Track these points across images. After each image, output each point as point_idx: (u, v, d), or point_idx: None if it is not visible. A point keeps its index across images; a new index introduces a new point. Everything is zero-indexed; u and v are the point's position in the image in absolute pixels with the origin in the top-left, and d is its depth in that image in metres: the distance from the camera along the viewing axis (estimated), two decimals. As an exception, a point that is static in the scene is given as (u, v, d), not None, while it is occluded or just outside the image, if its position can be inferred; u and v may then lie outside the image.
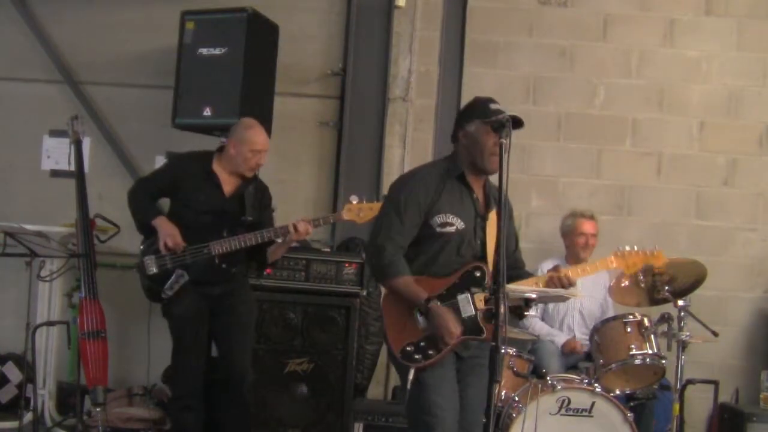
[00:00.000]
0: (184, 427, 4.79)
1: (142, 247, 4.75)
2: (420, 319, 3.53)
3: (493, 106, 3.56)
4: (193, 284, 4.64)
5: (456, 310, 3.51)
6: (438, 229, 3.56)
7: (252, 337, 4.97)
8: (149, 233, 4.70)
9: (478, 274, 3.55)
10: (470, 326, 3.51)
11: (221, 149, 4.80)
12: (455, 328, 3.46)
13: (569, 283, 3.56)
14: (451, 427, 3.51)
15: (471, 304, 3.52)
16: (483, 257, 3.59)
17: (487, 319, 3.49)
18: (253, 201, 4.78)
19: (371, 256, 3.69)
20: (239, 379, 4.76)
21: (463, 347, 3.59)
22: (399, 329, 3.57)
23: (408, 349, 3.53)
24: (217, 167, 4.75)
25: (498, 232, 3.27)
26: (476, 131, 3.57)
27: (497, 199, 3.51)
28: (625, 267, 3.87)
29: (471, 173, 3.64)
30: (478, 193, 3.67)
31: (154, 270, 4.64)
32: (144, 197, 4.77)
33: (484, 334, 3.50)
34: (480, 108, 3.61)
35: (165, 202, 4.89)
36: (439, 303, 3.49)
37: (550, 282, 3.57)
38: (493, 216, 3.62)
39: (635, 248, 3.86)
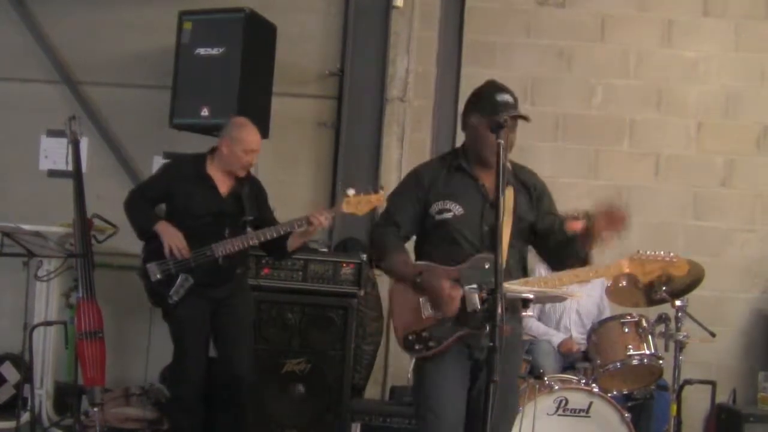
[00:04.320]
0: (182, 429, 4.80)
1: (143, 253, 4.74)
2: (427, 306, 3.43)
3: (499, 98, 3.41)
4: (196, 287, 4.63)
5: (462, 301, 3.35)
6: (437, 217, 3.47)
7: (252, 338, 4.97)
8: (149, 239, 4.70)
9: (487, 266, 3.36)
10: (472, 320, 3.35)
11: (213, 150, 4.79)
12: (455, 292, 3.32)
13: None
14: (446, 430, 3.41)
15: (476, 297, 3.32)
16: (492, 245, 3.32)
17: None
18: (250, 199, 4.77)
19: (370, 244, 3.67)
20: (239, 381, 4.77)
21: (476, 347, 3.40)
22: (404, 317, 3.47)
23: (410, 338, 3.44)
24: (210, 169, 4.74)
25: (496, 231, 3.13)
26: (477, 125, 3.46)
27: (518, 182, 3.46)
28: (642, 274, 3.50)
29: (477, 163, 3.51)
30: (486, 180, 3.50)
31: (157, 276, 4.63)
32: (141, 205, 4.76)
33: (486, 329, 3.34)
34: (484, 99, 3.47)
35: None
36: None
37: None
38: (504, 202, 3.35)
39: (654, 252, 3.50)
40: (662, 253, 3.49)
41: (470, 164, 3.53)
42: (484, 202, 3.50)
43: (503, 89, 3.48)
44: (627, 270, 3.53)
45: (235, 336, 4.79)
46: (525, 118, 3.40)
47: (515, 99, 3.47)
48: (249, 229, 4.74)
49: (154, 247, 4.64)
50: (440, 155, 3.75)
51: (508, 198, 3.43)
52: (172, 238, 4.58)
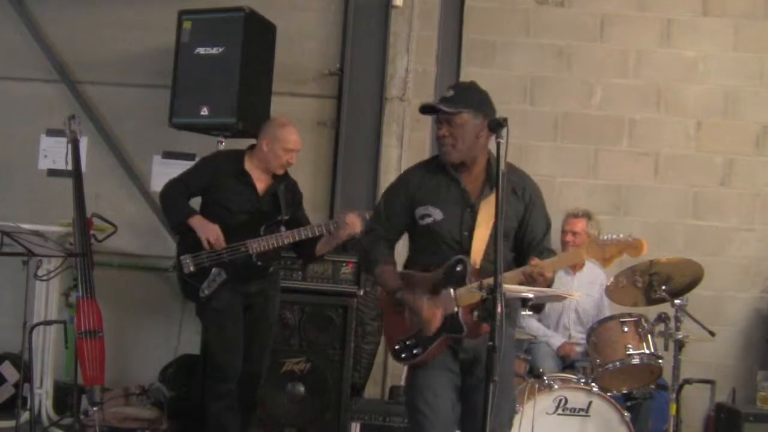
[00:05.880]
0: (225, 426, 4.71)
1: (177, 248, 4.76)
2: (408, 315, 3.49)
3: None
4: (230, 282, 4.66)
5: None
6: (420, 222, 3.54)
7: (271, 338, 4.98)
8: (183, 232, 4.72)
9: (459, 269, 3.42)
10: (450, 323, 3.41)
11: (252, 148, 4.85)
12: (435, 311, 3.40)
13: (543, 278, 3.33)
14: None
15: (453, 300, 3.39)
16: (469, 249, 3.45)
17: (474, 317, 3.33)
18: (286, 198, 4.83)
19: (360, 253, 3.75)
20: (256, 379, 4.81)
21: (461, 348, 3.48)
22: (392, 327, 3.57)
23: (396, 347, 3.51)
24: (249, 166, 4.78)
25: (495, 232, 3.15)
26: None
27: (507, 184, 3.41)
28: (602, 259, 3.40)
29: (458, 165, 3.55)
30: (468, 183, 3.54)
31: (191, 269, 4.66)
32: (177, 197, 4.78)
33: (464, 332, 3.40)
34: None
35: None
36: (406, 292, 3.48)
37: (524, 276, 3.35)
38: (486, 205, 3.46)
39: (612, 236, 3.39)
40: (621, 236, 3.40)
41: (453, 166, 3.56)
42: (464, 207, 3.53)
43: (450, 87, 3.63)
44: (587, 256, 3.51)
45: (260, 334, 4.83)
46: (431, 111, 3.58)
47: (452, 94, 3.57)
48: (282, 228, 4.77)
49: (189, 241, 4.67)
50: (431, 157, 3.79)
51: (492, 201, 3.39)
52: (208, 231, 4.61)
